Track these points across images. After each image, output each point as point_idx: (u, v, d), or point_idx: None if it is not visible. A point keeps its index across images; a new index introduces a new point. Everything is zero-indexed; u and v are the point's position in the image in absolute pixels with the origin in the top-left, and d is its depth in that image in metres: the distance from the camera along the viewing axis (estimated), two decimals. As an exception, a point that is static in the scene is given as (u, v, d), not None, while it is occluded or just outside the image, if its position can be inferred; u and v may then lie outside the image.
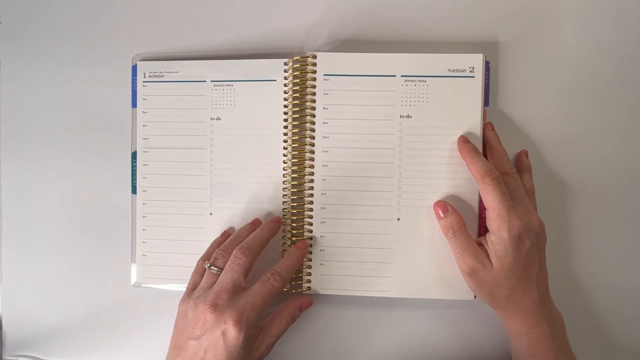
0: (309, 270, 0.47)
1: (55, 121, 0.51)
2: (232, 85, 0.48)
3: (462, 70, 0.45)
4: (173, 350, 0.42)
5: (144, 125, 0.49)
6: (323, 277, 0.47)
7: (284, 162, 0.47)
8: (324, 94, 0.46)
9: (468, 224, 0.44)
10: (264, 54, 0.49)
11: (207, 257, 0.46)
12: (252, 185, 0.48)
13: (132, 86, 0.50)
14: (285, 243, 0.47)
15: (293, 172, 0.47)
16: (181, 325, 0.42)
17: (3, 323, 0.52)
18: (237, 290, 0.42)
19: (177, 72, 0.49)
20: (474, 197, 0.45)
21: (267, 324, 0.44)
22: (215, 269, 0.43)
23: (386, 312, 0.48)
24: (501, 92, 0.48)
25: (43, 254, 0.52)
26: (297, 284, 0.47)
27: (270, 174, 0.48)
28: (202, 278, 0.44)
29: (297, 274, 0.47)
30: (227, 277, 0.42)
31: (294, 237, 0.47)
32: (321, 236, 0.47)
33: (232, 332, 0.40)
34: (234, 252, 0.43)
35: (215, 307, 0.41)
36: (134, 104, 0.50)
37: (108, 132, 0.51)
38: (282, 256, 0.47)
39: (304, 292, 0.47)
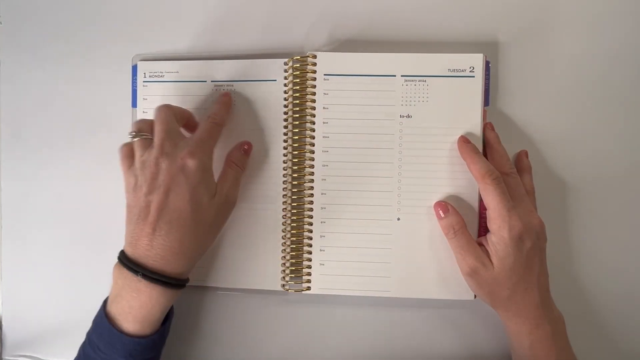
0: (308, 270, 0.47)
1: (55, 121, 0.51)
2: (232, 85, 0.48)
3: (462, 70, 0.45)
4: (132, 217, 0.41)
5: (144, 125, 0.49)
6: (323, 277, 0.47)
7: (284, 162, 0.47)
8: (324, 94, 0.46)
9: (468, 224, 0.44)
10: (264, 54, 0.49)
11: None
12: (252, 185, 0.48)
13: (132, 86, 0.50)
14: (285, 243, 0.47)
15: (293, 172, 0.47)
16: (133, 194, 0.41)
17: (3, 323, 0.52)
18: (178, 136, 0.42)
19: (177, 72, 0.48)
20: (474, 197, 0.45)
21: (221, 175, 0.45)
22: (145, 135, 0.43)
23: (386, 312, 0.48)
24: (501, 92, 0.48)
25: (43, 254, 0.52)
26: (297, 283, 0.47)
27: (270, 174, 0.48)
28: (133, 158, 0.43)
29: (297, 274, 0.47)
30: (160, 128, 0.42)
31: (293, 237, 0.47)
32: (321, 236, 0.47)
33: (190, 163, 0.40)
34: (154, 113, 0.43)
35: (164, 154, 0.40)
36: (134, 104, 0.50)
37: (108, 132, 0.51)
38: (283, 255, 0.47)
39: (303, 292, 0.47)
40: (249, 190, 0.48)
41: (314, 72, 0.46)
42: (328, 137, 0.46)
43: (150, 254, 0.39)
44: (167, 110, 0.43)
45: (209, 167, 0.42)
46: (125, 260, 0.40)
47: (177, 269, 0.40)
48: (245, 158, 0.47)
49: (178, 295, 0.41)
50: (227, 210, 0.45)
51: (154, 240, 0.39)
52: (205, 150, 0.42)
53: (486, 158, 0.45)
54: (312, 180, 0.47)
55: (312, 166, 0.47)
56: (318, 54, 0.46)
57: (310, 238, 0.47)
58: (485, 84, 0.46)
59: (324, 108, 0.46)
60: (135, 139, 0.43)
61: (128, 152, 0.43)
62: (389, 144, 0.46)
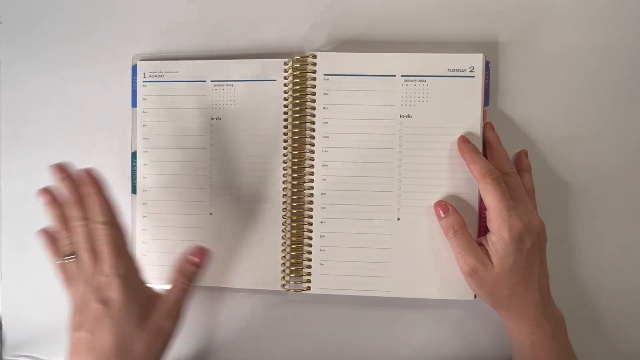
0: (308, 270, 0.47)
1: (55, 121, 0.51)
2: (232, 85, 0.48)
3: (462, 70, 0.45)
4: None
5: (143, 125, 0.49)
6: (323, 277, 0.47)
7: (284, 162, 0.47)
8: (324, 94, 0.46)
9: (468, 224, 0.44)
10: (264, 54, 0.49)
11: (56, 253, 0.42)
12: (252, 185, 0.48)
13: (132, 86, 0.50)
14: (285, 243, 0.47)
15: (293, 172, 0.47)
16: (69, 327, 0.39)
17: (3, 323, 0.52)
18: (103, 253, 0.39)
19: (177, 72, 0.49)
20: (474, 197, 0.45)
21: (164, 292, 0.41)
22: (72, 257, 0.40)
23: (386, 312, 0.48)
24: (501, 92, 0.48)
25: (43, 254, 0.51)
26: (297, 283, 0.47)
27: (270, 174, 0.48)
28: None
29: (297, 274, 0.47)
30: (85, 247, 0.39)
31: (294, 237, 0.47)
32: (321, 236, 0.47)
33: (113, 294, 0.37)
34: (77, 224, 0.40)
35: (88, 284, 0.38)
36: (134, 104, 0.50)
37: (108, 132, 0.51)
38: (283, 255, 0.47)
39: (303, 292, 0.47)
40: (249, 190, 0.48)
41: (314, 72, 0.46)
42: (328, 137, 0.46)
43: None
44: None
45: (137, 296, 0.38)
46: None
47: None
48: (196, 271, 0.42)
49: None
50: (162, 342, 0.39)
51: None
52: (124, 263, 0.39)
53: (486, 158, 0.45)
54: (312, 180, 0.47)
55: (312, 166, 0.47)
56: (318, 54, 0.46)
57: (310, 238, 0.47)
58: (485, 84, 0.46)
59: (324, 108, 0.46)
60: (66, 260, 0.40)
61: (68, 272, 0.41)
62: (389, 144, 0.46)
